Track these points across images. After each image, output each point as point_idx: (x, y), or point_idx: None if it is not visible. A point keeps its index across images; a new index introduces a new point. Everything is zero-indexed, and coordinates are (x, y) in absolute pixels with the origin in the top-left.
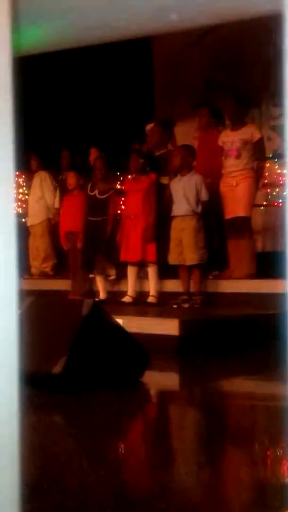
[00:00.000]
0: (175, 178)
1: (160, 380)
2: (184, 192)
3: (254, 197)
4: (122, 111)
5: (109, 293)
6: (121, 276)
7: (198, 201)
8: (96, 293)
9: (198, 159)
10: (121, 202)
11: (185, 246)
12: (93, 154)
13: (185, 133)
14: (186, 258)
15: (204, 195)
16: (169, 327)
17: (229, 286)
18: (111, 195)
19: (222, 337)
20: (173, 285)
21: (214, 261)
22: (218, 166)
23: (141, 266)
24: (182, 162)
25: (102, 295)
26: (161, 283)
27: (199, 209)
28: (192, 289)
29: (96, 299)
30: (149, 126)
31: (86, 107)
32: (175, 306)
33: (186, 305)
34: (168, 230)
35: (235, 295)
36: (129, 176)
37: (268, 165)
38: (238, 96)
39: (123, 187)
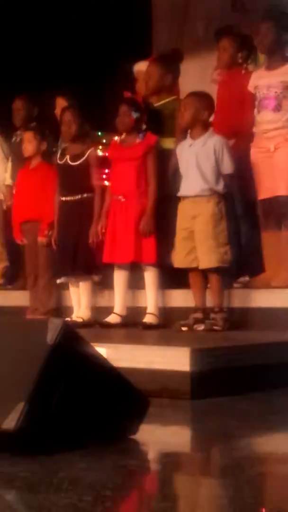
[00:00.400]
0: (184, 141)
1: (163, 437)
2: (198, 162)
3: None
4: (105, 42)
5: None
6: (105, 285)
7: (218, 175)
8: (68, 310)
9: (218, 112)
10: (105, 176)
11: (198, 241)
12: (60, 104)
13: (199, 75)
14: (200, 258)
15: (227, 166)
16: (176, 359)
17: (264, 298)
18: (88, 160)
19: (254, 374)
20: (181, 298)
21: (242, 262)
22: (248, 122)
23: (135, 271)
24: (194, 117)
25: (77, 313)
26: (164, 294)
27: (220, 186)
28: (210, 303)
29: (68, 319)
30: (140, 65)
31: (52, 36)
32: (184, 328)
33: (200, 327)
34: (173, 218)
35: (273, 311)
36: (117, 138)
37: None
38: (278, 19)
39: (107, 154)
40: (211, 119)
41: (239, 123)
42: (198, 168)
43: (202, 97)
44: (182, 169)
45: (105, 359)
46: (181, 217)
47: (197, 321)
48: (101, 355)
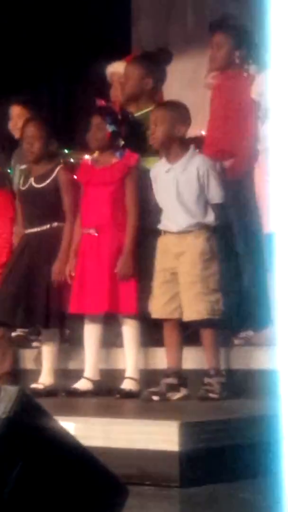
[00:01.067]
0: (159, 164)
1: None
2: (179, 191)
3: None
4: (76, 38)
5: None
6: (73, 342)
7: (205, 204)
8: (27, 374)
9: (212, 125)
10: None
11: (183, 286)
12: (18, 115)
13: (188, 79)
14: (184, 308)
15: (215, 195)
16: (161, 437)
17: (271, 359)
18: (57, 181)
19: (259, 454)
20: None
21: (245, 313)
22: (251, 137)
23: (110, 324)
24: (167, 134)
25: (43, 378)
26: (146, 354)
27: (210, 218)
28: (205, 364)
29: (27, 386)
30: (114, 66)
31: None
32: (155, 397)
33: (176, 396)
34: (150, 256)
35: None
36: (87, 157)
37: None
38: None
39: (77, 176)
40: (204, 133)
41: (239, 138)
42: (179, 200)
43: (176, 108)
44: (159, 199)
45: (72, 437)
46: (162, 255)
47: (171, 387)
48: (68, 432)
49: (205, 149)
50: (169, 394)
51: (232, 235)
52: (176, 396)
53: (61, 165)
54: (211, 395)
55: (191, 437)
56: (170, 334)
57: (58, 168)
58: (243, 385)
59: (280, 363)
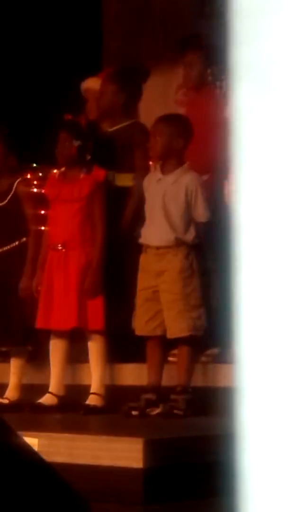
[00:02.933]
0: (152, 174)
1: None
2: (165, 202)
3: None
4: (45, 52)
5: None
6: (38, 357)
7: (188, 221)
8: None
9: None
10: (40, 220)
11: (165, 304)
12: None
13: (161, 95)
14: (168, 326)
15: (201, 213)
16: (126, 453)
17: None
18: (17, 196)
19: (225, 473)
20: (134, 374)
21: (210, 330)
22: (224, 154)
23: (76, 340)
24: (167, 146)
25: (8, 393)
26: (112, 370)
27: (190, 236)
28: (174, 380)
29: None
30: (90, 81)
31: None
32: (134, 412)
33: (155, 412)
34: (133, 272)
35: None
36: (55, 171)
37: None
38: None
39: (45, 191)
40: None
41: (213, 154)
42: (164, 211)
43: (176, 121)
44: (147, 209)
45: (35, 453)
46: (143, 273)
47: (150, 403)
48: (31, 447)
49: None
50: (148, 410)
51: (203, 252)
52: (155, 411)
53: (19, 180)
54: (176, 411)
55: (155, 455)
56: (153, 351)
57: (16, 183)
58: (209, 402)
59: (238, 381)
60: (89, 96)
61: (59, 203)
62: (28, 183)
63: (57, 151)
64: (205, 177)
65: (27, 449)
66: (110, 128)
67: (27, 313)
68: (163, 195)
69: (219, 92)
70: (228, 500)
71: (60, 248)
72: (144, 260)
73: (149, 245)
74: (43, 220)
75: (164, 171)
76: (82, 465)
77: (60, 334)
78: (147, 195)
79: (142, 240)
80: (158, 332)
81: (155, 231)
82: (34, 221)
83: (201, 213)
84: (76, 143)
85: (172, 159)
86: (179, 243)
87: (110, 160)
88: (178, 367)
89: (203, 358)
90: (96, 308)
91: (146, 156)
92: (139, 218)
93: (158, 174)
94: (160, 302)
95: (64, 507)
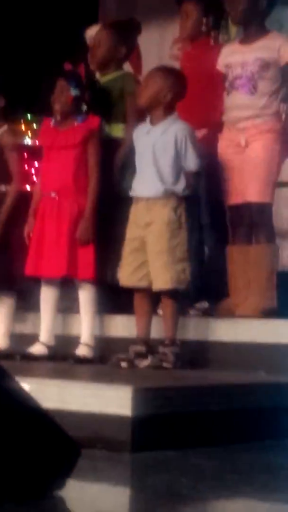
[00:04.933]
0: (142, 126)
1: (95, 496)
2: (154, 153)
3: (279, 169)
4: (39, 3)
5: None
6: (28, 306)
7: (178, 172)
8: None
9: None
10: (33, 168)
11: (151, 255)
12: None
13: (157, 49)
14: (153, 277)
15: (191, 161)
16: (114, 401)
17: (226, 330)
18: (4, 138)
19: (210, 423)
20: (124, 326)
21: (200, 284)
22: (220, 108)
23: (67, 289)
24: (154, 97)
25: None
26: (102, 321)
27: (180, 187)
28: (161, 334)
29: None
30: (93, 30)
31: None
32: (123, 364)
33: (143, 364)
34: (121, 223)
35: (237, 347)
36: (51, 120)
37: None
38: None
39: (39, 139)
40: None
41: (209, 108)
42: (154, 162)
43: (168, 74)
44: (137, 161)
45: (30, 397)
46: (132, 224)
47: (139, 355)
48: (26, 391)
49: None
50: (137, 361)
51: (198, 206)
52: (144, 363)
53: (5, 129)
54: (164, 364)
55: (144, 402)
56: (140, 303)
57: (1, 131)
58: (197, 356)
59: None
60: (91, 44)
61: (53, 150)
62: (13, 133)
63: (54, 99)
64: (202, 132)
65: (22, 392)
66: (104, 77)
67: (13, 260)
68: (153, 146)
69: (214, 45)
70: (215, 447)
71: (53, 196)
72: (134, 211)
73: (139, 196)
74: (35, 173)
75: (153, 122)
76: (72, 411)
77: (50, 283)
78: (137, 147)
79: (132, 192)
80: (143, 284)
81: (145, 183)
82: (16, 170)
83: (190, 162)
84: (74, 92)
85: (159, 110)
86: (168, 194)
87: (105, 110)
88: (163, 319)
89: (192, 312)
90: (87, 258)
91: (138, 107)
92: (129, 169)
93: (147, 126)
94: (146, 253)
95: (56, 449)
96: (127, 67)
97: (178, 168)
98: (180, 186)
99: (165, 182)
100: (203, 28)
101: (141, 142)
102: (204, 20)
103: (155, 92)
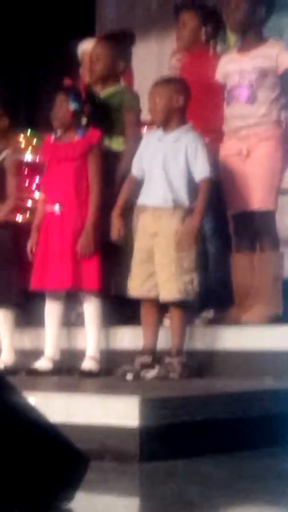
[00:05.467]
0: (152, 132)
1: (105, 507)
2: (165, 162)
3: (281, 176)
4: (38, 17)
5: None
6: (32, 320)
7: (187, 182)
8: None
9: None
10: (36, 182)
11: (159, 266)
12: None
13: (156, 61)
14: (161, 288)
15: (202, 170)
16: (121, 412)
17: (232, 338)
18: (5, 164)
19: (218, 431)
20: (130, 338)
21: (205, 293)
22: (216, 117)
23: (71, 303)
24: (168, 106)
25: (3, 357)
26: (108, 333)
27: (189, 199)
28: (167, 344)
29: None
30: (86, 44)
31: None
32: (129, 376)
33: (150, 374)
34: (127, 234)
35: (243, 354)
36: (52, 135)
37: None
38: None
39: (40, 156)
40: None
41: (209, 118)
42: (164, 170)
43: (169, 82)
44: (146, 166)
45: (37, 411)
46: (140, 234)
47: (145, 366)
48: (33, 406)
49: None
50: (143, 373)
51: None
52: (150, 374)
53: (11, 148)
54: (171, 375)
55: (151, 413)
56: (147, 314)
57: (6, 152)
58: (204, 365)
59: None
60: (85, 58)
61: (55, 164)
62: (18, 152)
63: (54, 114)
64: (205, 140)
65: (30, 407)
66: (102, 92)
67: (15, 275)
68: (164, 155)
69: (212, 55)
70: (224, 456)
71: (56, 209)
72: (141, 221)
73: (147, 205)
74: (37, 189)
75: (165, 130)
76: (79, 424)
77: (54, 297)
78: (146, 154)
79: (140, 201)
80: (152, 295)
81: (153, 192)
82: (14, 190)
83: (200, 170)
84: (74, 106)
85: (174, 118)
86: (176, 204)
87: (105, 124)
88: (171, 330)
89: (198, 321)
90: (92, 270)
91: (137, 121)
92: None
93: (159, 133)
94: (154, 264)
95: (64, 462)
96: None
97: (188, 178)
98: (189, 198)
99: (175, 191)
100: (203, 37)
101: (151, 148)
102: (203, 29)
103: (166, 102)
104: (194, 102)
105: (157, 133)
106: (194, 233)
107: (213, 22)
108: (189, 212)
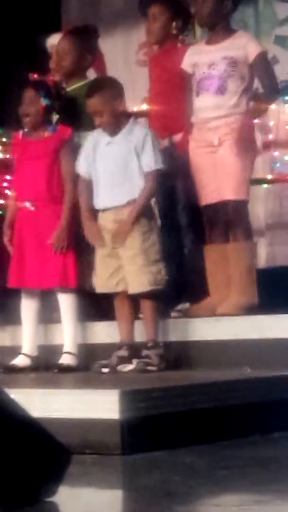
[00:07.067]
0: (97, 135)
1: (88, 499)
2: (118, 164)
3: (252, 166)
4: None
5: None
6: (8, 318)
7: (141, 175)
8: None
9: (153, 99)
10: (6, 181)
11: (125, 260)
12: None
13: (121, 56)
14: (129, 281)
15: (149, 161)
16: (101, 405)
17: (209, 329)
18: None
19: (198, 422)
20: (106, 332)
21: (180, 286)
22: (185, 110)
23: (47, 300)
24: (106, 107)
25: None
26: (84, 328)
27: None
28: (143, 338)
29: None
30: (55, 37)
31: None
32: (105, 370)
33: (127, 368)
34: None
35: (220, 345)
36: (20, 132)
37: (275, 106)
38: None
39: (9, 154)
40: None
41: (181, 111)
42: (117, 173)
43: (110, 84)
44: (99, 171)
45: (20, 407)
46: (102, 230)
47: (122, 360)
48: (15, 401)
49: (151, 123)
50: (120, 366)
51: (176, 208)
52: (127, 368)
53: None
54: (149, 367)
55: (131, 405)
56: (120, 307)
57: None
58: (181, 356)
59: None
60: (54, 52)
61: (25, 161)
62: None
63: (23, 110)
64: (179, 135)
65: (11, 402)
66: (67, 87)
67: None
68: (116, 158)
69: (181, 46)
70: (205, 446)
71: (28, 206)
72: (101, 218)
73: (106, 207)
74: (7, 186)
75: (111, 133)
76: (59, 419)
77: (30, 294)
78: (95, 157)
79: (97, 205)
80: (121, 288)
81: (110, 194)
82: None
83: (149, 162)
84: (44, 101)
85: (117, 119)
86: (134, 200)
87: (74, 119)
88: (144, 322)
89: (173, 314)
90: (67, 266)
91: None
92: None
93: (106, 138)
94: (119, 258)
95: (46, 457)
96: (91, 74)
97: (140, 172)
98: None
99: (131, 190)
100: (173, 32)
101: (102, 154)
102: (174, 24)
103: (107, 100)
104: (165, 96)
105: (103, 136)
106: (127, 228)
107: (183, 16)
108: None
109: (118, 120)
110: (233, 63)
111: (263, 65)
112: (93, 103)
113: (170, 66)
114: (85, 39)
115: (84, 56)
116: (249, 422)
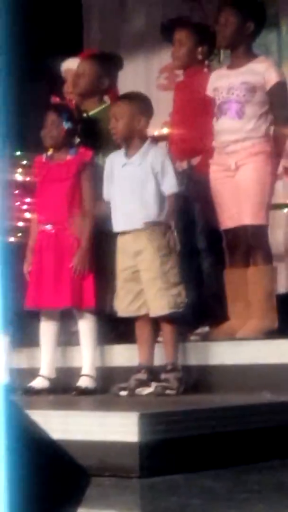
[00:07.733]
0: (115, 157)
1: None
2: (135, 186)
3: (272, 191)
4: (24, 36)
5: None
6: (27, 338)
7: (162, 198)
8: None
9: (176, 123)
10: (28, 202)
11: (146, 283)
12: None
13: (142, 80)
14: (149, 305)
15: (169, 183)
16: (120, 428)
17: (228, 353)
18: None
19: (218, 445)
20: (125, 355)
21: (200, 309)
22: (209, 134)
23: (66, 322)
24: (129, 127)
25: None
26: (103, 351)
27: (164, 214)
28: (161, 359)
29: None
30: (70, 61)
31: None
32: (123, 393)
33: (145, 391)
34: (112, 255)
35: (239, 369)
36: (43, 155)
37: None
38: (241, 5)
39: (30, 177)
40: (166, 131)
41: (203, 135)
42: (134, 195)
43: (135, 100)
44: (116, 194)
45: (42, 429)
46: (121, 254)
47: (141, 383)
48: (38, 425)
49: (171, 147)
50: (139, 390)
51: (194, 231)
52: (146, 391)
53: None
54: (168, 391)
55: (150, 428)
56: (141, 331)
57: None
58: (200, 380)
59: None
60: (68, 76)
61: (47, 183)
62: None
63: (45, 134)
64: (198, 158)
65: (32, 424)
66: (88, 110)
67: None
68: (132, 180)
69: (206, 71)
70: (224, 469)
71: (49, 228)
72: (121, 242)
73: (125, 230)
74: (28, 209)
75: (128, 153)
76: (78, 441)
77: (50, 316)
78: (113, 180)
79: (115, 228)
80: (143, 312)
81: (127, 217)
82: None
83: (170, 185)
84: (66, 125)
85: (136, 139)
86: (154, 224)
87: (96, 142)
88: (164, 345)
89: (193, 338)
90: (87, 287)
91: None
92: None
93: (123, 159)
94: (140, 282)
95: (65, 479)
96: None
97: (161, 195)
98: (164, 214)
99: (149, 213)
100: (199, 57)
101: (118, 175)
102: (200, 49)
103: (128, 121)
104: (188, 121)
105: (120, 157)
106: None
107: (209, 41)
108: (169, 226)
109: (131, 135)
110: (251, 88)
111: (279, 95)
112: (119, 105)
113: (195, 91)
114: (107, 64)
115: (102, 79)
116: (268, 446)
